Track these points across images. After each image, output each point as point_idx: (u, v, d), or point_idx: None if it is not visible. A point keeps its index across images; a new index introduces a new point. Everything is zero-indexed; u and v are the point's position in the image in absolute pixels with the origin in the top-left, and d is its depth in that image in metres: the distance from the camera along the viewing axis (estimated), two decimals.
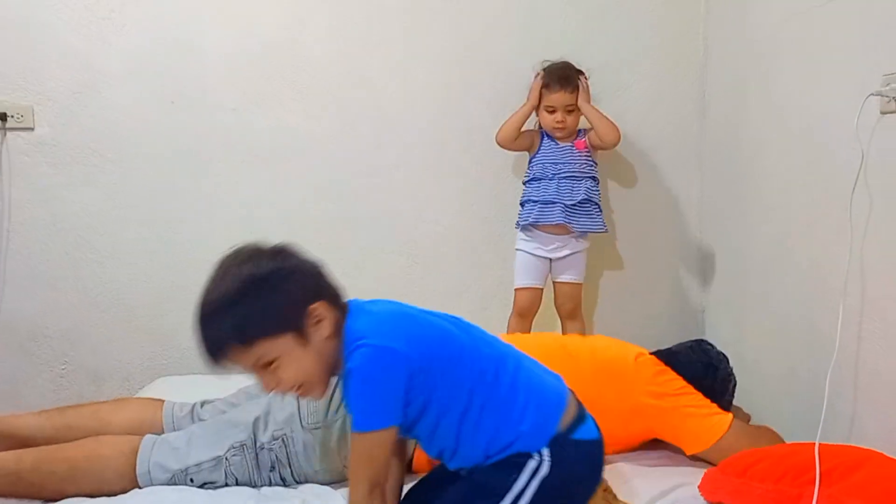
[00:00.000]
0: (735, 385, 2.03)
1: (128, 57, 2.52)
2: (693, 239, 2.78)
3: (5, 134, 2.50)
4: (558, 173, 2.47)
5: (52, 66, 2.49)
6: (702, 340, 2.11)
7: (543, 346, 1.94)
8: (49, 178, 2.53)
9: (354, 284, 2.63)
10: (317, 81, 2.60)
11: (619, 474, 1.80)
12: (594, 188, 2.50)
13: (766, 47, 2.28)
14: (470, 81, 2.63)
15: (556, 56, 2.64)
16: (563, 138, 2.51)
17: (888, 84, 1.71)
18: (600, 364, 1.91)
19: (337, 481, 1.75)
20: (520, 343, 1.93)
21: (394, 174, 2.64)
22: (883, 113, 1.74)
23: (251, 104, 2.58)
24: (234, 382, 2.10)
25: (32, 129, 2.51)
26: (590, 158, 2.52)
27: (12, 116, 2.48)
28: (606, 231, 2.56)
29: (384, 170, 2.63)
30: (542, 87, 2.48)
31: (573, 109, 2.47)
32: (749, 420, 2.08)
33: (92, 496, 1.66)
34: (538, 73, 2.50)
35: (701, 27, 2.70)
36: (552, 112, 2.46)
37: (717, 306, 2.69)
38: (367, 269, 2.65)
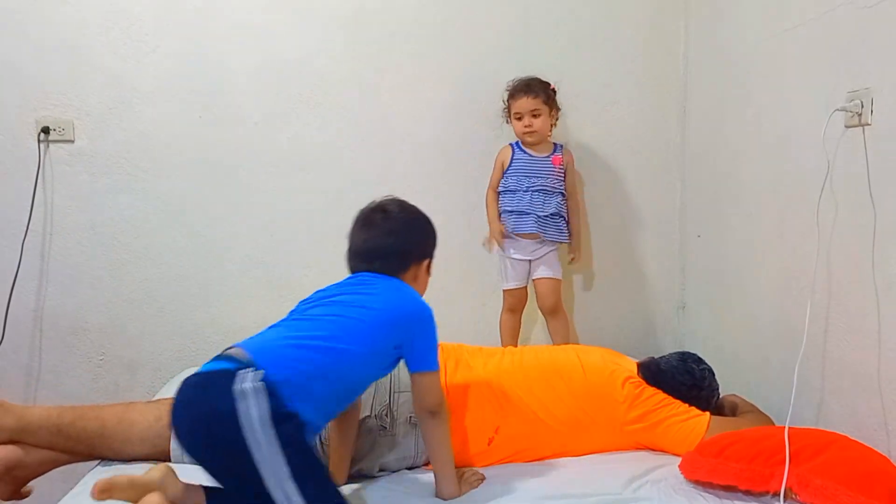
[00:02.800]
0: (718, 396, 2.01)
1: (159, 76, 2.54)
2: (675, 241, 2.79)
3: (48, 146, 2.52)
4: (531, 186, 2.45)
5: (91, 85, 2.51)
6: (688, 356, 2.04)
7: (539, 368, 1.93)
8: (87, 186, 2.55)
9: None
10: (332, 98, 2.61)
11: (605, 457, 1.83)
12: (563, 203, 2.50)
13: (742, 66, 2.30)
14: (471, 98, 2.65)
15: (548, 73, 2.67)
16: (535, 144, 2.48)
17: (852, 100, 1.72)
18: (592, 388, 1.89)
19: None
20: (521, 362, 1.95)
21: (402, 183, 2.63)
22: (847, 126, 1.75)
23: (272, 118, 2.59)
24: None
25: (73, 141, 2.52)
26: (562, 175, 2.50)
27: (54, 130, 2.50)
28: (570, 242, 2.57)
29: (393, 179, 2.64)
30: (508, 98, 2.47)
31: (539, 114, 2.43)
32: (750, 408, 2.02)
33: (119, 455, 1.70)
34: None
35: (682, 47, 2.72)
36: (520, 118, 2.44)
37: (697, 302, 2.70)
38: None
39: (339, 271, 2.64)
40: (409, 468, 1.78)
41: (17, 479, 1.69)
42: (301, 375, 1.38)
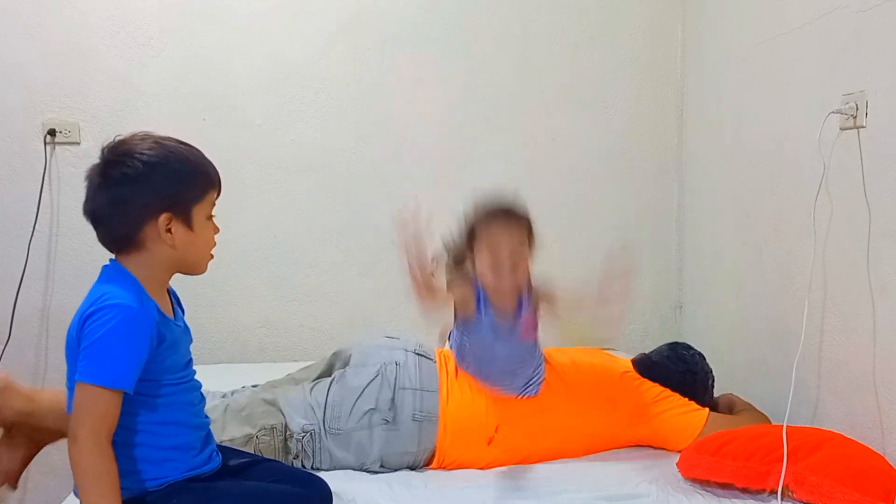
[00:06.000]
0: (714, 380, 2.01)
1: (164, 79, 2.54)
2: (672, 241, 2.78)
3: (54, 148, 2.52)
4: (492, 360, 1.72)
5: (97, 88, 2.51)
6: (677, 345, 2.05)
7: None
8: None
9: (368, 282, 2.70)
10: (335, 101, 2.61)
11: (603, 456, 1.83)
12: (535, 370, 1.76)
13: (738, 69, 2.29)
14: (471, 101, 2.64)
15: (547, 75, 2.66)
16: (502, 307, 1.66)
17: (847, 103, 1.72)
18: (588, 384, 1.89)
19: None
20: None
21: (403, 184, 2.64)
22: (842, 129, 1.75)
23: (275, 121, 2.59)
24: (261, 371, 2.12)
25: (79, 143, 2.52)
26: (536, 346, 1.75)
27: (61, 132, 2.50)
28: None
29: (394, 180, 2.64)
30: (479, 223, 1.67)
31: (520, 260, 1.63)
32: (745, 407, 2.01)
33: None
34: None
35: (679, 50, 2.71)
36: (494, 253, 1.63)
37: (694, 303, 2.69)
38: (380, 269, 2.66)
39: (339, 271, 2.67)
40: (411, 468, 1.78)
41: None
42: None
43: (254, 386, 1.94)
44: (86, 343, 1.23)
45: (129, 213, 1.28)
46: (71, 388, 1.27)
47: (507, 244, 1.63)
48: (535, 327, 1.73)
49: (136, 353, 1.24)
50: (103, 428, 1.21)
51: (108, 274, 1.32)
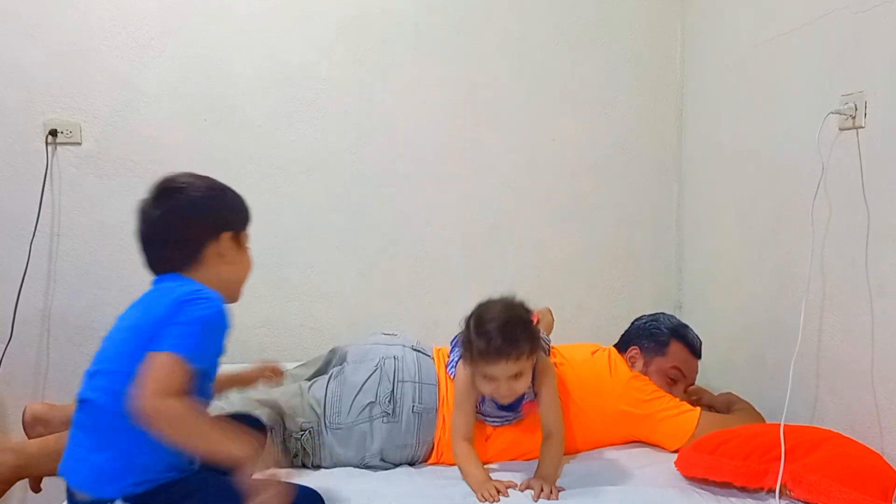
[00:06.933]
0: (685, 327, 2.13)
1: (165, 79, 2.54)
2: (672, 241, 2.79)
3: (56, 148, 2.52)
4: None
5: (98, 88, 2.52)
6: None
7: None
8: (94, 188, 2.55)
9: (368, 282, 2.71)
10: (335, 101, 2.61)
11: (602, 454, 1.84)
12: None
13: (738, 70, 2.30)
14: (471, 101, 2.65)
15: (547, 75, 2.67)
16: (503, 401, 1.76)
17: (846, 103, 1.72)
18: (582, 379, 1.92)
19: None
20: None
21: (403, 185, 2.65)
22: (841, 129, 1.76)
23: (276, 121, 2.59)
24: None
25: (80, 143, 2.53)
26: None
27: (62, 132, 2.50)
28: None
29: (395, 181, 2.65)
30: (475, 354, 1.65)
31: (522, 374, 1.66)
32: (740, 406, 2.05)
33: None
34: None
35: (678, 51, 2.72)
36: (493, 380, 1.66)
37: (693, 302, 2.70)
38: (380, 269, 2.67)
39: (340, 272, 2.67)
40: (410, 463, 1.79)
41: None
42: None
43: None
44: (183, 319, 1.29)
45: (196, 232, 1.41)
46: (92, 374, 1.40)
47: (502, 380, 1.65)
48: (534, 406, 1.79)
49: (217, 344, 1.36)
50: (172, 385, 1.24)
51: (176, 279, 1.39)
